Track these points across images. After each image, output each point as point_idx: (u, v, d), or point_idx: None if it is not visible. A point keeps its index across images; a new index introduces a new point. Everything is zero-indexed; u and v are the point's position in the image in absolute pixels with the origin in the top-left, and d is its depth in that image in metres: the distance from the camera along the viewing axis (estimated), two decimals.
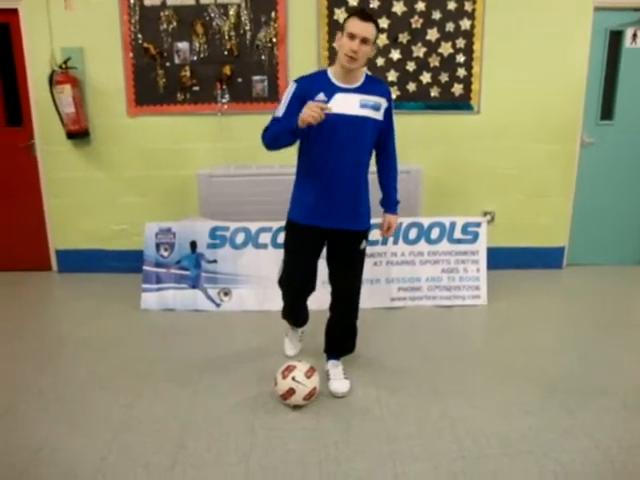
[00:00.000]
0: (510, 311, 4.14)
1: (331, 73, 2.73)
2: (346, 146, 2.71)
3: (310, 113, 2.46)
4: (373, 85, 2.77)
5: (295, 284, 3.09)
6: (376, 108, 2.74)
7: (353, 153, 2.75)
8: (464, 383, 3.12)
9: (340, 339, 3.15)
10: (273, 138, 2.71)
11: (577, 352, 3.50)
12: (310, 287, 3.09)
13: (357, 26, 2.57)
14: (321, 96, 2.65)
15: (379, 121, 2.79)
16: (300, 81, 2.74)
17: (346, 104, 2.67)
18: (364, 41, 2.58)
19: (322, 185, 2.78)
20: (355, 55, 2.58)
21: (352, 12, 2.73)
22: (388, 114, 2.84)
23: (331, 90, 2.67)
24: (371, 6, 4.44)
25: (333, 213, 2.81)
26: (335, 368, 3.11)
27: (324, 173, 2.76)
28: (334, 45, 2.69)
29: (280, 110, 2.72)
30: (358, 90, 2.71)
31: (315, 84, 2.69)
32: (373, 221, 3.65)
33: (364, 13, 2.64)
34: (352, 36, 2.57)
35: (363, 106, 2.69)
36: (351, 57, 2.59)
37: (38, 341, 3.68)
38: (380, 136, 2.87)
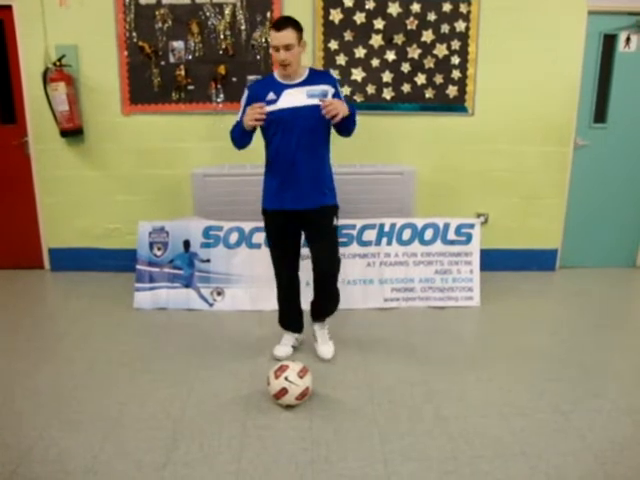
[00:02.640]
0: (503, 313, 4.15)
1: (277, 75, 3.09)
2: (301, 133, 3.00)
3: (251, 116, 2.89)
4: (317, 76, 3.12)
5: (280, 269, 3.35)
6: (324, 95, 3.02)
7: (308, 138, 3.03)
8: (457, 384, 3.13)
9: (323, 301, 3.41)
10: (235, 139, 3.14)
11: (570, 354, 3.51)
12: (293, 266, 3.36)
13: (276, 38, 2.90)
14: (271, 95, 3.00)
15: None
16: (251, 87, 3.19)
17: (295, 97, 3.00)
18: (287, 47, 2.89)
19: (284, 171, 3.08)
20: (285, 62, 2.92)
21: (272, 24, 3.00)
22: (337, 98, 3.06)
23: (279, 88, 3.02)
24: (366, 7, 4.44)
25: (297, 195, 3.08)
26: (321, 330, 3.44)
27: (284, 160, 3.06)
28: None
29: (239, 115, 3.11)
30: (303, 83, 3.04)
31: (264, 87, 3.07)
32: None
33: (278, 23, 2.93)
34: (276, 48, 2.91)
35: (311, 96, 3.00)
36: (283, 65, 2.94)
37: (31, 339, 3.67)
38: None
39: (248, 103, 3.04)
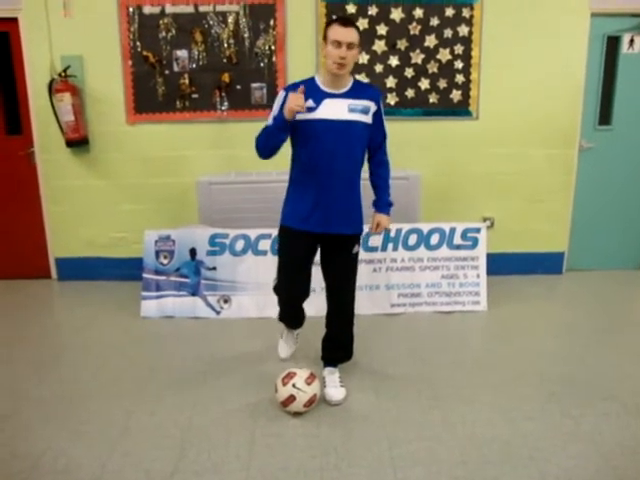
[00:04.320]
0: (510, 317, 4.14)
1: (319, 79, 2.80)
2: (337, 150, 2.74)
3: (294, 102, 2.58)
4: (362, 89, 2.83)
5: (290, 290, 3.12)
6: (365, 112, 2.79)
7: (344, 157, 2.78)
8: (464, 389, 3.12)
9: (336, 348, 3.15)
10: (265, 141, 2.80)
11: (577, 357, 3.50)
12: (304, 292, 3.11)
13: (340, 33, 2.64)
14: (310, 102, 2.70)
15: (368, 124, 2.83)
16: (289, 89, 2.77)
17: (334, 109, 2.73)
18: (349, 46, 2.65)
19: (315, 190, 2.81)
20: (344, 61, 2.65)
21: (332, 20, 2.77)
22: (378, 117, 2.87)
23: (319, 96, 2.74)
24: (369, 13, 4.46)
25: (327, 218, 2.83)
26: (331, 375, 3.10)
27: (316, 178, 2.79)
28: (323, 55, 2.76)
29: (270, 118, 2.82)
30: (346, 95, 2.76)
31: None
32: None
33: (345, 19, 2.73)
34: (338, 43, 2.64)
35: (352, 110, 2.74)
36: (340, 64, 2.66)
37: (39, 348, 3.68)
38: (371, 139, 2.90)
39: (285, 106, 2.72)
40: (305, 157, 2.82)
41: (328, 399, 2.98)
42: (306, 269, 3.03)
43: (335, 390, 3.01)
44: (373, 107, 2.82)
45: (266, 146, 2.81)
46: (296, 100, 2.60)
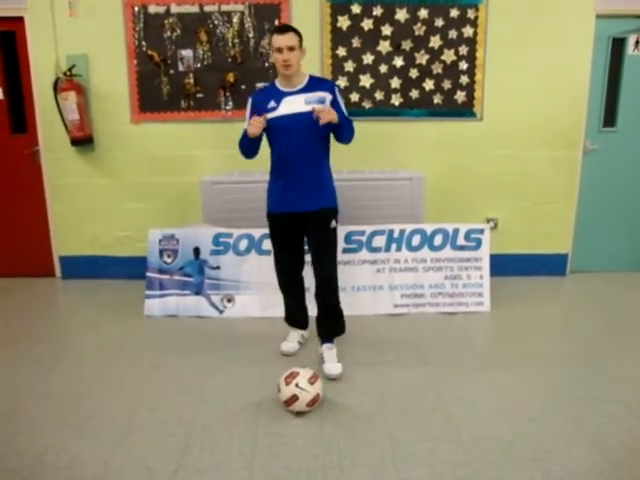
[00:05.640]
0: (513, 318, 4.13)
1: (277, 83, 3.24)
2: (301, 138, 3.12)
3: (252, 127, 3.05)
4: (316, 83, 3.23)
5: (283, 266, 3.47)
6: (321, 102, 3.15)
7: (308, 143, 3.15)
8: (467, 389, 3.11)
9: (328, 318, 3.38)
10: (244, 149, 3.26)
11: (581, 359, 3.49)
12: (297, 266, 3.49)
13: (279, 40, 3.06)
14: (272, 103, 3.15)
15: None
16: (253, 96, 3.32)
17: (294, 104, 3.13)
18: (290, 49, 3.05)
19: (286, 175, 3.21)
20: (288, 63, 3.07)
21: (273, 29, 3.32)
22: (335, 104, 3.19)
23: (279, 96, 3.17)
24: (374, 14, 4.46)
25: (298, 198, 3.20)
26: (329, 351, 3.33)
27: (286, 165, 3.19)
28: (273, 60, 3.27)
29: (245, 124, 3.22)
30: (302, 91, 3.17)
31: (265, 95, 3.23)
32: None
33: (281, 27, 3.17)
34: (279, 49, 3.06)
35: (309, 102, 3.12)
36: (285, 65, 3.07)
37: (42, 346, 3.69)
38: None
39: (252, 112, 3.20)
40: (275, 149, 3.22)
41: (326, 373, 3.20)
42: (293, 247, 3.40)
43: (333, 365, 3.24)
44: (329, 96, 3.18)
45: (247, 151, 3.25)
46: (253, 126, 3.04)
